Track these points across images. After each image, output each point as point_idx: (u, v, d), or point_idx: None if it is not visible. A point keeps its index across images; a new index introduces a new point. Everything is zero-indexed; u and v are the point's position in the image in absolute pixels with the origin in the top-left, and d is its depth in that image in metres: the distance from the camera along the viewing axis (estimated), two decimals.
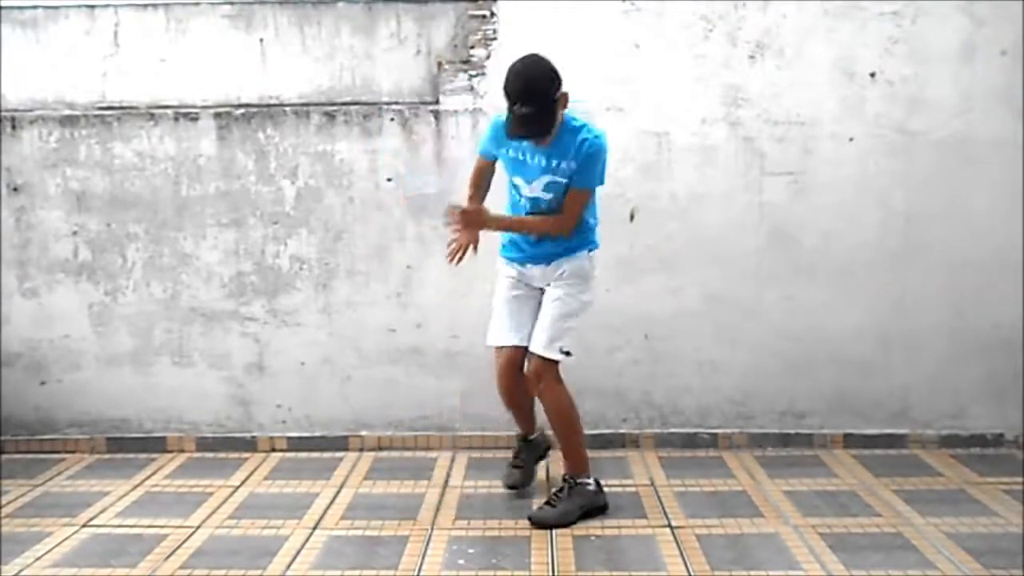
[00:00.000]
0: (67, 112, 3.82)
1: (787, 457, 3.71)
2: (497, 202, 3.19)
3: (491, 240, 3.82)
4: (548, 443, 3.43)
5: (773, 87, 3.66)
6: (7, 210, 3.82)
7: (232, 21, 3.79)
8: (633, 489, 3.37)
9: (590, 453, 3.22)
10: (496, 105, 3.63)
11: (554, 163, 2.94)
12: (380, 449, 3.86)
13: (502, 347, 3.16)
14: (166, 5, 3.78)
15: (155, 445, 3.89)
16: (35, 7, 3.80)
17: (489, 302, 3.21)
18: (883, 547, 2.85)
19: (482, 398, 3.81)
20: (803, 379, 3.79)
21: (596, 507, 3.13)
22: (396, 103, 3.79)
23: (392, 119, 3.74)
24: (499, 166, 3.16)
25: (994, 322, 3.71)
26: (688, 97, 3.67)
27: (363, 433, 3.88)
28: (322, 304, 3.83)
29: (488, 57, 3.70)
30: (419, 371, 3.84)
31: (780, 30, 3.63)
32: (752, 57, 3.66)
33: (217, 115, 3.77)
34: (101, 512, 3.25)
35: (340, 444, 3.86)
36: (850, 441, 3.78)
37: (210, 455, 3.84)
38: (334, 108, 3.77)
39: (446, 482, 3.49)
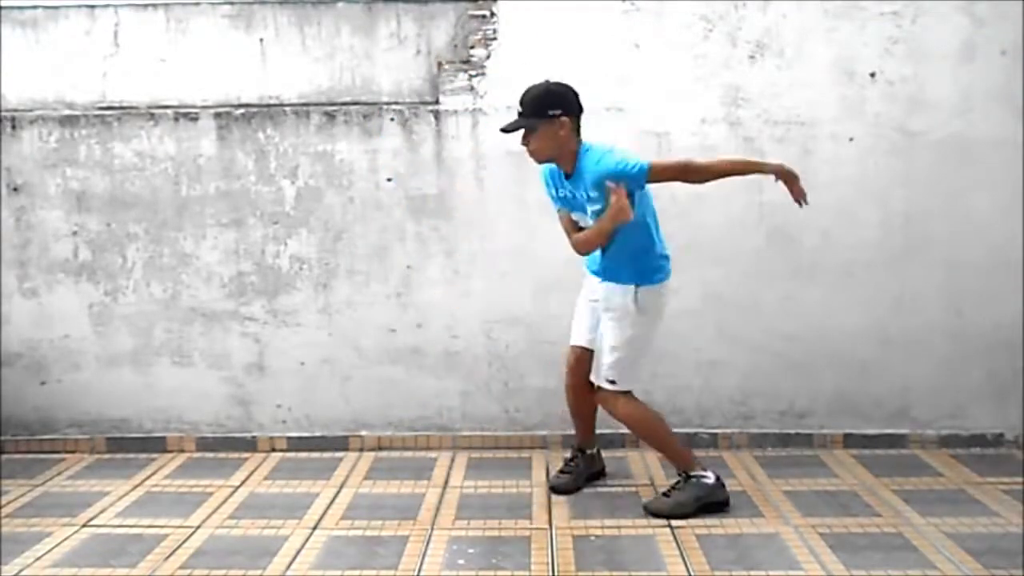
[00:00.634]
0: (67, 112, 3.82)
1: (787, 457, 3.71)
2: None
3: (489, 240, 3.83)
4: (603, 465, 3.45)
5: (773, 87, 3.66)
6: (7, 210, 3.82)
7: (232, 21, 3.79)
8: (633, 489, 3.37)
9: None
10: (496, 105, 3.64)
11: (580, 193, 2.97)
12: (380, 449, 3.85)
13: (571, 345, 3.27)
14: (166, 5, 3.79)
15: (155, 445, 3.89)
16: (35, 7, 3.81)
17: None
18: (883, 547, 2.84)
19: (482, 398, 3.82)
20: (803, 379, 3.79)
21: (716, 501, 3.13)
22: (396, 103, 3.79)
23: (392, 119, 3.74)
24: None
25: (994, 322, 3.71)
26: (688, 97, 3.67)
27: (363, 433, 3.88)
28: (322, 304, 3.83)
29: (488, 57, 3.70)
30: (419, 371, 3.84)
31: (780, 30, 3.64)
32: (752, 57, 3.66)
33: (217, 115, 3.77)
34: (101, 512, 3.25)
35: (340, 444, 3.86)
36: (850, 441, 3.78)
37: (210, 455, 3.84)
38: (334, 108, 3.77)
39: (446, 482, 3.49)
